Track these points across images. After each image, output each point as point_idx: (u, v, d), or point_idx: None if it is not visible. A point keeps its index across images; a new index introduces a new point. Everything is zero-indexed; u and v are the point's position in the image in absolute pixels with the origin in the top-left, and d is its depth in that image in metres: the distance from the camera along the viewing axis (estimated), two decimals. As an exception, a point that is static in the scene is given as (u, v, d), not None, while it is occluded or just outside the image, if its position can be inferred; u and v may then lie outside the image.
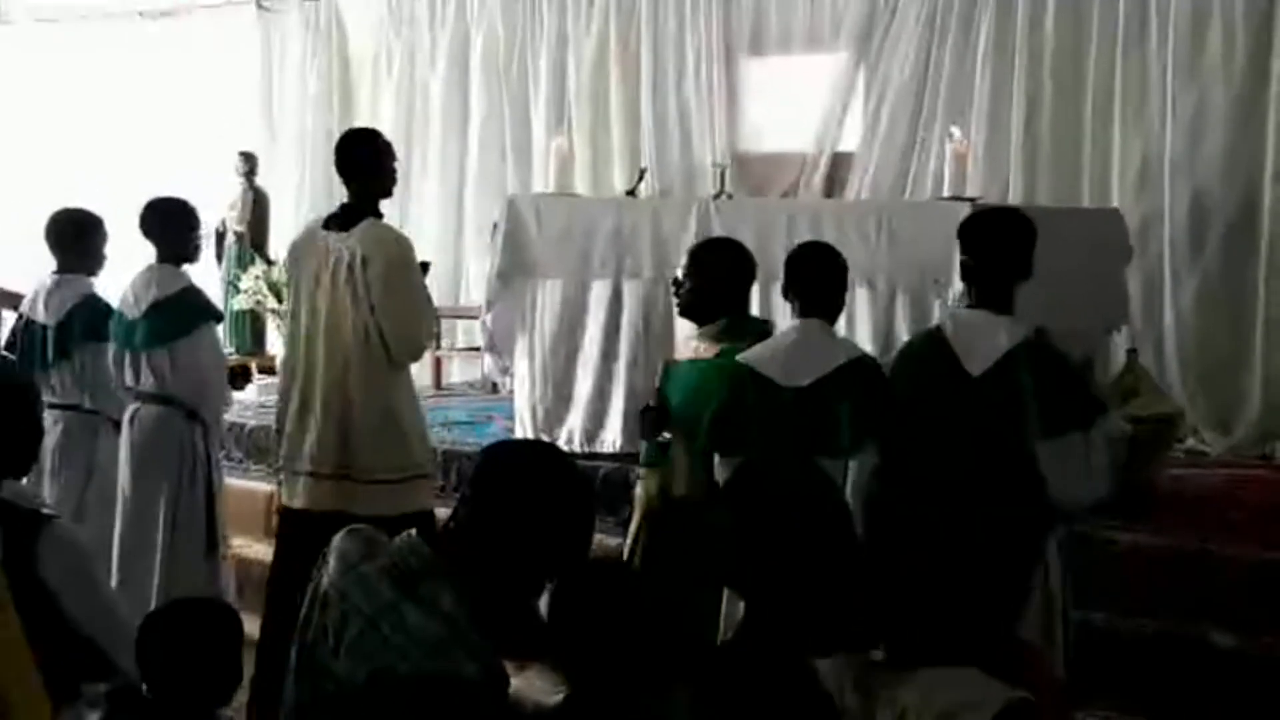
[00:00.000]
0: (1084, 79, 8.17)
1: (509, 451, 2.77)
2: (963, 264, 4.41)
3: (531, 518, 2.57)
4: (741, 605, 2.38)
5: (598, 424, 7.21)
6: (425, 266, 5.55)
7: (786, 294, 4.72)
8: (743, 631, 2.32)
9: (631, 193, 7.93)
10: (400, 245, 5.33)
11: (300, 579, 2.74)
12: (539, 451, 2.82)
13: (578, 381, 7.29)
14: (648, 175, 8.57)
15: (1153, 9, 7.94)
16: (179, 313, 5.81)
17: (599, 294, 7.29)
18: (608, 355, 7.21)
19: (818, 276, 4.70)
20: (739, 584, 2.32)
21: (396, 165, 5.51)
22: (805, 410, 4.48)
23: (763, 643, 2.26)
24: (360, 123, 11.45)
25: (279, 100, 11.95)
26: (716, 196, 7.46)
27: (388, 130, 10.96)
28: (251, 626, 4.06)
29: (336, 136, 11.02)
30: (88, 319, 6.03)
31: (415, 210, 11.02)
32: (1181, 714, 5.17)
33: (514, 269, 7.39)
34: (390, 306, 5.16)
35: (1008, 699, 2.13)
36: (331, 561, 2.68)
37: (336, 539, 2.72)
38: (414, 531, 2.70)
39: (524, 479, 2.62)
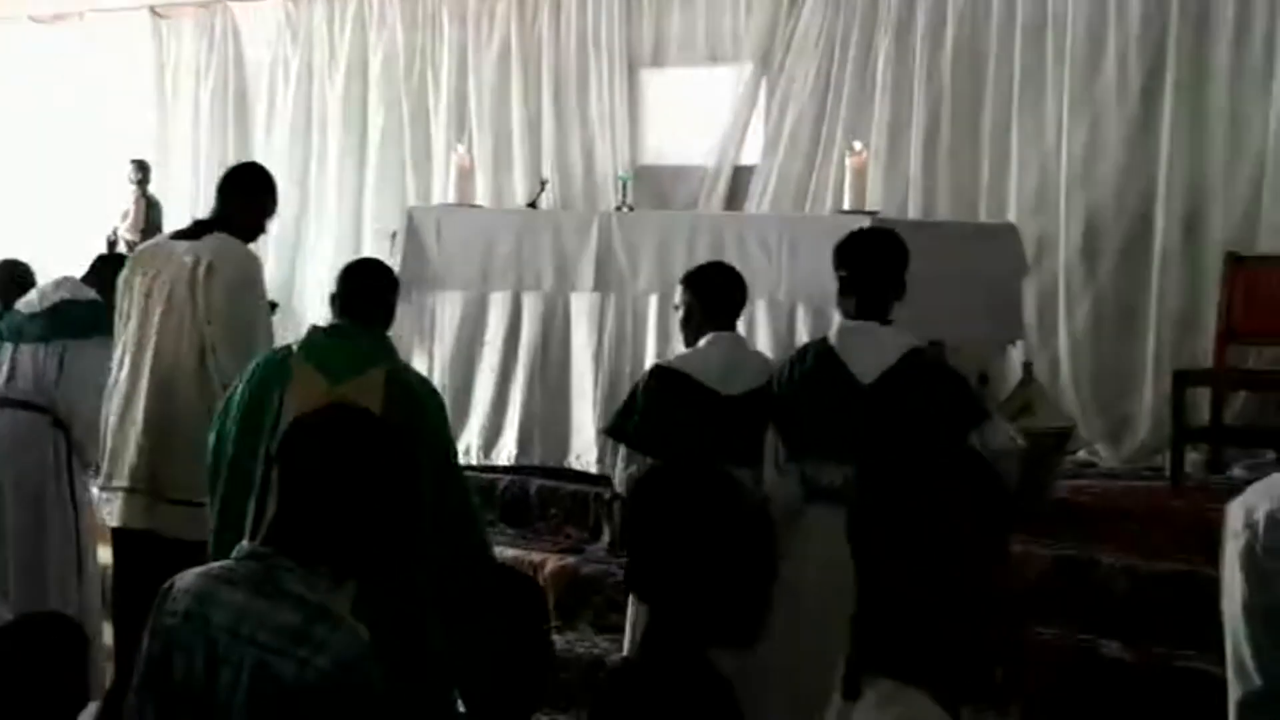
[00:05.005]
0: (982, 95, 8.25)
1: (314, 423, 2.75)
2: (842, 279, 4.57)
3: (337, 471, 2.59)
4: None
5: (495, 435, 7.19)
6: (273, 306, 5.48)
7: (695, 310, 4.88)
8: (646, 638, 2.30)
9: (533, 204, 7.92)
10: (250, 261, 5.20)
11: (132, 596, 2.68)
12: (334, 414, 2.82)
13: (476, 393, 7.26)
14: (549, 187, 8.56)
15: (1049, 29, 8.04)
16: (81, 317, 5.67)
17: (498, 306, 7.27)
18: (506, 367, 7.19)
19: (725, 291, 4.90)
20: (641, 589, 2.31)
21: (271, 219, 5.39)
22: (735, 418, 4.60)
23: (666, 646, 2.25)
24: (257, 130, 11.36)
25: (173, 108, 11.78)
26: (618, 209, 7.46)
27: (284, 139, 11.01)
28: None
29: (232, 144, 10.94)
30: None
31: (313, 220, 10.90)
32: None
33: (413, 280, 7.34)
34: (228, 321, 5.02)
35: None
36: (177, 598, 2.66)
37: (176, 582, 2.70)
38: (245, 542, 2.69)
39: (323, 440, 2.64)
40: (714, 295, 4.95)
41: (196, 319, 5.01)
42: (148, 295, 5.11)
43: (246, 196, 5.26)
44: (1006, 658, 2.13)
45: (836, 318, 6.06)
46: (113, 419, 5.16)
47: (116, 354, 5.26)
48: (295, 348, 4.33)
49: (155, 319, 5.08)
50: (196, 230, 5.22)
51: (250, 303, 5.11)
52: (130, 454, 5.07)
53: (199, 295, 5.01)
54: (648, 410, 4.81)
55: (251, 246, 5.37)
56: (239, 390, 4.32)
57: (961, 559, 2.04)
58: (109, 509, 5.18)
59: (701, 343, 4.88)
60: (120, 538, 5.20)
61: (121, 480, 5.10)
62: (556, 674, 2.50)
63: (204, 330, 5.00)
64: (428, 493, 4.10)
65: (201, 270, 5.01)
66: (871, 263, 4.60)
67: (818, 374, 4.53)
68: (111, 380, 5.23)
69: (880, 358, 4.45)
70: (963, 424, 4.45)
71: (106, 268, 6.00)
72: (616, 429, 4.94)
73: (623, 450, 4.90)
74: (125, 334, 5.20)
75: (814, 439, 4.48)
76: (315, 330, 4.41)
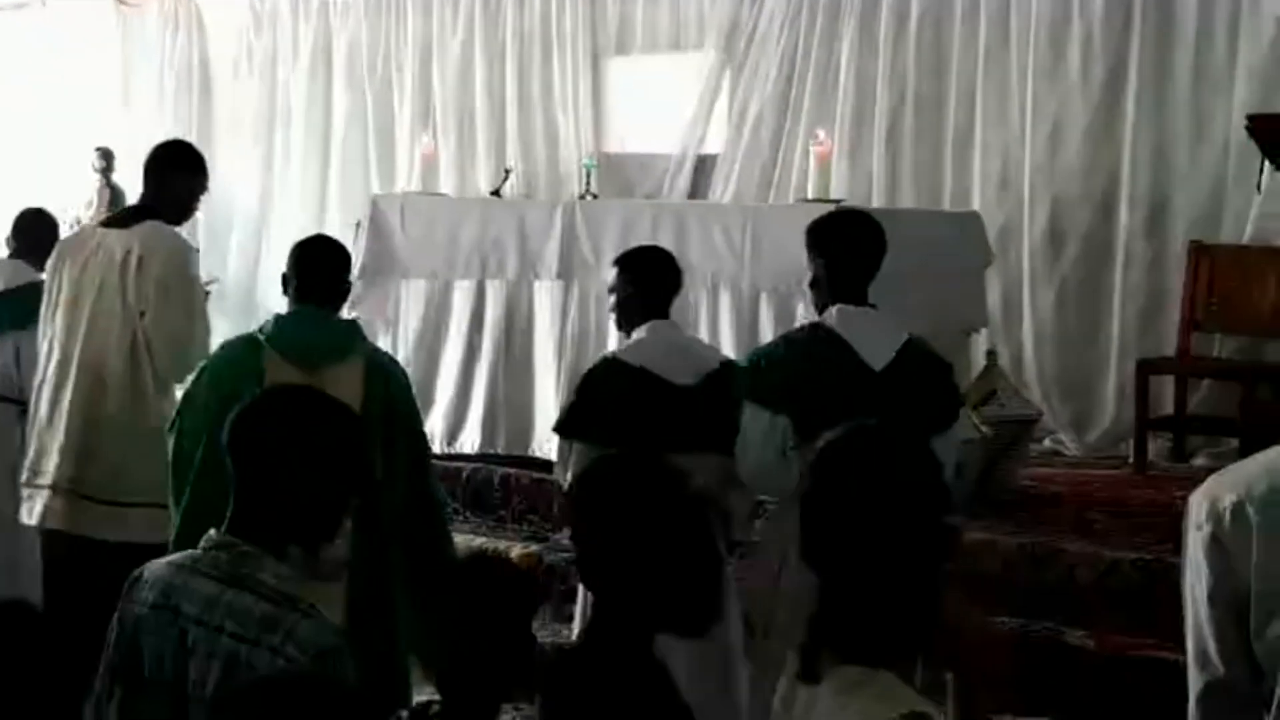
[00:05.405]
0: (946, 84, 8.26)
1: (256, 407, 2.72)
2: (827, 263, 4.46)
3: (294, 456, 2.58)
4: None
5: (458, 424, 7.17)
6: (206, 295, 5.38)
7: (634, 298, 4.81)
8: (590, 625, 2.30)
9: (496, 193, 7.89)
10: (184, 250, 5.01)
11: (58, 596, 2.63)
12: (285, 397, 2.79)
13: (440, 381, 7.24)
14: (513, 176, 8.53)
15: (1013, 19, 8.06)
16: (28, 302, 5.60)
17: (462, 294, 7.24)
18: (470, 356, 7.17)
19: (664, 276, 4.84)
20: (586, 577, 2.32)
21: (200, 200, 5.20)
22: (690, 408, 4.57)
23: (608, 634, 2.25)
24: (222, 121, 11.29)
25: (138, 96, 11.70)
26: (582, 197, 7.44)
27: (248, 130, 10.94)
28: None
29: (196, 133, 10.84)
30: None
31: (277, 210, 10.84)
32: (1037, 708, 5.24)
33: (377, 268, 7.34)
34: (164, 316, 4.83)
35: (902, 713, 2.08)
36: (145, 588, 2.65)
37: (145, 572, 2.68)
38: (213, 532, 2.66)
39: (278, 424, 2.63)
40: (652, 280, 4.81)
41: (127, 312, 4.83)
42: (77, 285, 4.93)
43: (174, 177, 5.04)
44: (947, 643, 2.13)
45: (801, 306, 6.13)
46: (41, 414, 4.97)
47: (44, 346, 5.06)
48: (262, 338, 4.14)
49: (85, 311, 4.90)
50: (126, 218, 5.05)
51: (185, 294, 4.94)
52: (55, 451, 4.89)
53: (130, 288, 4.83)
54: (607, 406, 4.68)
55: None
56: (203, 387, 4.14)
57: (907, 543, 2.04)
58: (29, 506, 4.97)
59: (643, 332, 4.74)
60: (46, 538, 5.03)
61: (46, 478, 4.92)
62: (535, 664, 2.46)
63: (136, 324, 4.82)
64: (402, 476, 4.08)
65: (133, 261, 4.83)
66: (858, 247, 4.46)
67: (828, 360, 4.35)
68: (39, 374, 5.04)
69: (885, 344, 4.35)
70: (950, 411, 4.42)
71: (31, 231, 5.91)
72: (571, 427, 4.77)
73: (578, 446, 4.69)
74: (53, 326, 5.01)
75: (822, 425, 4.39)
76: (281, 319, 4.23)
